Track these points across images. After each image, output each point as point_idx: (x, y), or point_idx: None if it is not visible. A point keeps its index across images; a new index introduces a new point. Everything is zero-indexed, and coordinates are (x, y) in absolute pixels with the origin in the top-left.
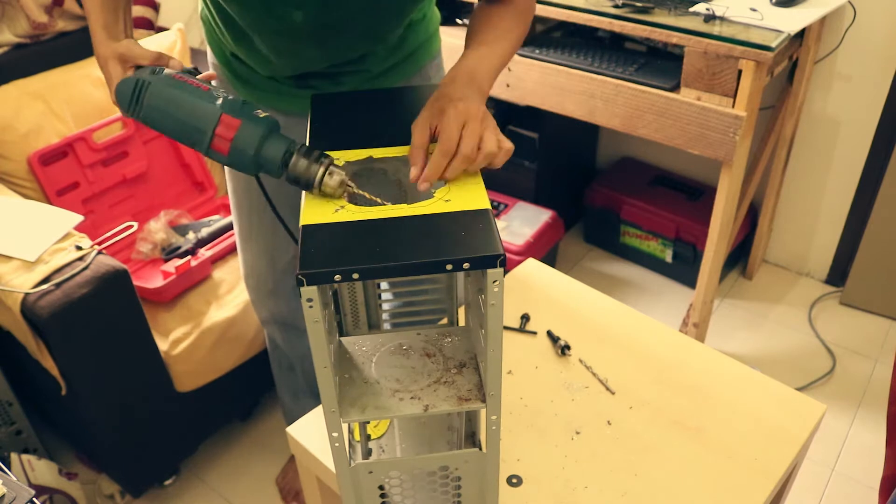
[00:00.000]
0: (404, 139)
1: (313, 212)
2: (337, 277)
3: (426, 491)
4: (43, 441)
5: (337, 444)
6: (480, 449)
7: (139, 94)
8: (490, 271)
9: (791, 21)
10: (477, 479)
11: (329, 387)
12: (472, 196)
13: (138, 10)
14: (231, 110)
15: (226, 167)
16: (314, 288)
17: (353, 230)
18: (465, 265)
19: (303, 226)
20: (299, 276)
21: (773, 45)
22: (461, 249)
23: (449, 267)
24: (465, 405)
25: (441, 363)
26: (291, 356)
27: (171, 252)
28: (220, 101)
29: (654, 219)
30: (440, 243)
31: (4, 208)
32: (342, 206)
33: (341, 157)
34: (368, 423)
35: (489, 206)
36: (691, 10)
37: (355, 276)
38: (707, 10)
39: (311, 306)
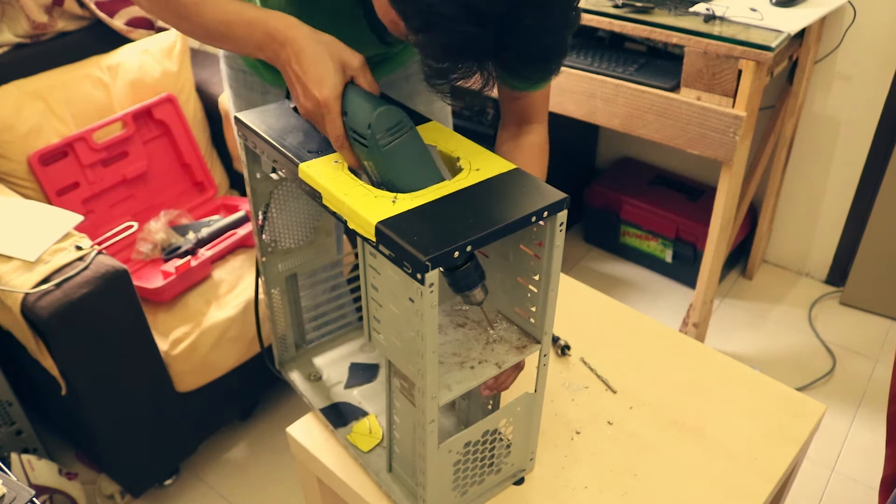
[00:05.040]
0: None
1: (372, 209)
2: (455, 255)
3: (482, 450)
4: (43, 441)
5: (431, 431)
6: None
7: (400, 133)
8: (559, 214)
9: (791, 21)
10: (525, 422)
11: (434, 372)
12: (492, 162)
13: (138, 10)
14: None
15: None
16: (436, 272)
17: (425, 214)
18: (545, 213)
19: (378, 223)
20: (425, 263)
21: (773, 45)
22: (531, 203)
23: (534, 219)
24: (525, 351)
25: (477, 327)
26: None
27: (171, 252)
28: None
29: (653, 219)
30: (513, 203)
31: (4, 208)
32: (396, 198)
33: None
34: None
35: (516, 166)
36: (691, 10)
37: (469, 248)
38: (707, 10)
39: (431, 291)
